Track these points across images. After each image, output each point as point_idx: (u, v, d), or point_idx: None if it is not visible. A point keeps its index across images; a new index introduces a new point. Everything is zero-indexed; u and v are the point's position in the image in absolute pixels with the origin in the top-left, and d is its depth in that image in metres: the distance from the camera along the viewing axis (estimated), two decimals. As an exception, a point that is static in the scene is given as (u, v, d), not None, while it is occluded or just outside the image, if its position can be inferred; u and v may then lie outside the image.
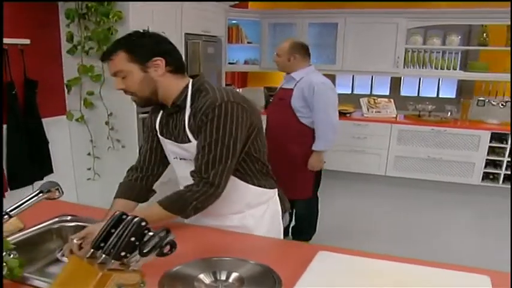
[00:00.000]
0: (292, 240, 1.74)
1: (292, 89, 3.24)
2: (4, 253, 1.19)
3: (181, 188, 1.53)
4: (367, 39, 5.26)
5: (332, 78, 5.16)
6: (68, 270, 1.04)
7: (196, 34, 4.10)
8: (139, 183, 1.68)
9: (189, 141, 1.52)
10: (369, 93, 6.12)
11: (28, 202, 1.32)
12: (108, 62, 1.48)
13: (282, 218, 1.78)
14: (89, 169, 3.52)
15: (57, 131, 3.39)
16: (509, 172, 4.91)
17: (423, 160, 5.16)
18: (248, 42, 5.70)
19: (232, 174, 1.53)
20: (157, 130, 1.65)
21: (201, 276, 1.25)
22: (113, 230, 1.07)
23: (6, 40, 2.77)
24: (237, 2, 5.07)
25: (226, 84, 5.27)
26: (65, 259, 1.49)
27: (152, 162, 1.70)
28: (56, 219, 1.71)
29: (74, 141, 3.55)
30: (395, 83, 6.03)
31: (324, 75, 3.31)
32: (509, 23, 4.71)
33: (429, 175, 5.19)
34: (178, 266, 1.28)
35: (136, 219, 1.05)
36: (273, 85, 5.86)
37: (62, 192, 1.40)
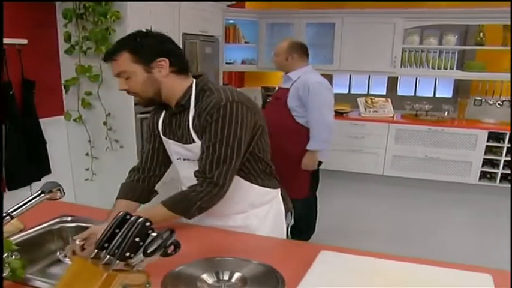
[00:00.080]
0: (295, 240, 1.74)
1: (288, 89, 3.25)
2: (6, 254, 1.19)
3: (184, 188, 1.53)
4: (364, 39, 5.26)
5: (329, 78, 5.16)
6: (72, 271, 1.04)
7: (194, 34, 4.09)
8: (141, 184, 1.68)
9: (193, 141, 1.51)
10: (365, 93, 6.13)
11: (30, 203, 1.31)
12: (111, 63, 1.47)
13: (285, 218, 1.78)
14: (87, 169, 3.50)
15: (55, 131, 3.38)
16: (506, 171, 4.93)
17: (421, 159, 5.18)
18: (245, 42, 5.69)
19: (236, 174, 1.52)
20: (160, 130, 1.64)
21: (204, 276, 1.25)
22: (117, 231, 1.06)
23: (3, 40, 2.75)
24: (234, 2, 5.06)
25: (224, 84, 5.27)
26: (67, 260, 1.49)
27: (154, 163, 1.69)
28: (57, 219, 1.70)
29: (71, 141, 3.54)
30: (392, 83, 6.04)
31: (321, 75, 3.31)
32: (505, 22, 4.73)
33: (427, 174, 5.20)
34: (181, 266, 1.28)
35: (141, 220, 1.05)
36: (270, 85, 5.88)
37: (64, 192, 1.39)
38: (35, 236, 1.60)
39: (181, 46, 3.82)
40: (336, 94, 3.36)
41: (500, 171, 4.95)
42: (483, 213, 4.63)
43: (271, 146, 1.68)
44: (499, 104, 5.27)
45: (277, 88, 3.57)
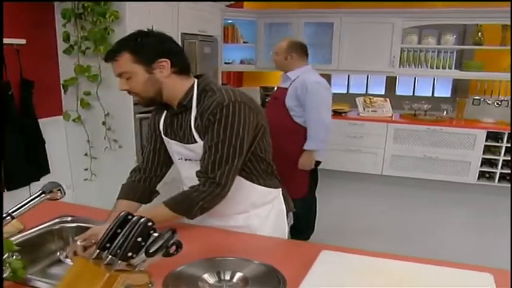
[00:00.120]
0: (296, 240, 1.74)
1: (287, 88, 3.25)
2: (7, 254, 1.18)
3: (186, 188, 1.52)
4: (362, 38, 5.27)
5: (328, 77, 5.16)
6: (74, 271, 1.03)
7: (193, 34, 4.09)
8: (142, 184, 1.67)
9: (195, 141, 1.51)
10: (364, 92, 6.14)
11: (30, 203, 1.30)
12: (112, 63, 1.46)
13: (287, 218, 1.78)
14: (86, 169, 3.50)
15: (54, 132, 3.37)
16: (504, 171, 4.94)
17: (419, 159, 5.18)
18: (244, 42, 5.69)
19: (238, 174, 1.52)
20: (161, 131, 1.64)
21: (205, 276, 1.25)
22: (118, 231, 1.06)
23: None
24: (232, 2, 5.06)
25: (223, 84, 5.26)
26: (68, 261, 1.49)
27: (155, 163, 1.69)
28: (57, 220, 1.69)
29: (70, 141, 3.53)
30: (391, 83, 6.05)
31: (320, 74, 3.31)
32: (504, 22, 4.75)
33: (425, 174, 5.21)
34: (183, 266, 1.28)
35: (143, 220, 1.05)
36: (268, 85, 5.87)
37: (64, 192, 1.38)
38: (35, 236, 1.60)
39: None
40: (334, 94, 3.36)
41: (498, 170, 4.96)
42: (482, 212, 4.63)
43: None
44: (497, 103, 5.28)
45: (276, 88, 3.56)
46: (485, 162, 5.04)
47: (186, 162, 1.59)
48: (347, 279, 1.24)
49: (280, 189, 1.77)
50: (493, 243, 3.81)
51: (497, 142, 4.93)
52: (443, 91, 5.93)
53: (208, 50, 4.43)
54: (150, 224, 1.05)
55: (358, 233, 3.95)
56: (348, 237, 3.84)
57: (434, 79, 5.93)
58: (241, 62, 5.80)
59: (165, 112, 1.63)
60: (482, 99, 5.36)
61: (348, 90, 6.30)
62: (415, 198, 4.95)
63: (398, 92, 6.08)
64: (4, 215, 1.26)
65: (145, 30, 1.49)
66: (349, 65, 5.41)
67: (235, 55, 5.71)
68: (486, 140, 4.94)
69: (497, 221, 4.28)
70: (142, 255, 1.03)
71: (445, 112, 5.37)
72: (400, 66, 5.29)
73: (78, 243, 1.28)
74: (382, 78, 6.04)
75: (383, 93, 6.06)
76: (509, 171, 4.90)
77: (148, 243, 1.04)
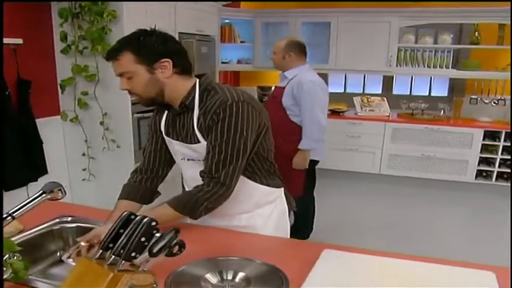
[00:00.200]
0: (297, 239, 1.74)
1: (284, 88, 3.24)
2: (8, 255, 1.18)
3: (188, 188, 1.52)
4: (359, 38, 5.27)
5: (325, 77, 5.17)
6: (77, 271, 1.02)
7: (190, 33, 4.08)
8: (143, 184, 1.66)
9: (198, 141, 1.50)
10: (361, 92, 6.16)
11: (31, 203, 1.29)
12: (113, 62, 1.44)
13: (289, 217, 1.78)
14: (84, 170, 3.48)
15: (51, 132, 3.35)
16: (502, 169, 4.96)
17: (417, 158, 5.19)
18: (241, 42, 5.69)
19: (241, 173, 1.52)
20: (163, 131, 1.63)
21: (208, 275, 1.24)
22: (121, 231, 1.05)
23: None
24: (229, 2, 5.05)
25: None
26: (69, 261, 1.48)
27: (157, 164, 1.68)
28: (57, 220, 1.68)
29: (68, 141, 3.52)
30: (388, 82, 6.06)
31: (317, 74, 3.30)
32: (501, 21, 4.77)
33: (423, 173, 5.22)
34: (185, 266, 1.27)
35: (146, 219, 1.04)
36: (265, 84, 5.87)
37: (65, 192, 1.37)
38: (35, 236, 1.59)
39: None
40: (331, 93, 3.35)
41: (496, 169, 4.97)
42: (479, 211, 4.65)
43: None
44: (494, 102, 5.29)
45: (274, 87, 3.56)
46: (482, 161, 5.06)
47: (188, 162, 1.58)
48: (349, 278, 1.24)
49: (283, 188, 1.76)
50: (491, 241, 3.82)
51: (495, 141, 4.95)
52: (440, 90, 5.95)
53: (205, 49, 4.42)
54: (153, 223, 1.04)
55: (356, 232, 3.95)
56: (346, 236, 3.85)
57: (431, 78, 5.95)
58: (238, 62, 5.80)
59: (166, 112, 1.62)
60: (479, 98, 5.36)
61: (345, 89, 6.31)
62: (413, 197, 4.96)
63: (395, 91, 6.09)
64: (4, 215, 1.25)
65: (148, 29, 1.46)
66: (346, 65, 5.42)
67: (232, 55, 5.71)
68: (483, 139, 4.95)
69: (495, 219, 4.29)
70: (145, 255, 1.02)
71: (442, 111, 5.38)
72: (397, 66, 5.30)
73: (83, 243, 1.27)
74: (379, 77, 6.05)
75: (380, 92, 6.08)
76: (507, 170, 4.92)
77: (151, 243, 1.03)
